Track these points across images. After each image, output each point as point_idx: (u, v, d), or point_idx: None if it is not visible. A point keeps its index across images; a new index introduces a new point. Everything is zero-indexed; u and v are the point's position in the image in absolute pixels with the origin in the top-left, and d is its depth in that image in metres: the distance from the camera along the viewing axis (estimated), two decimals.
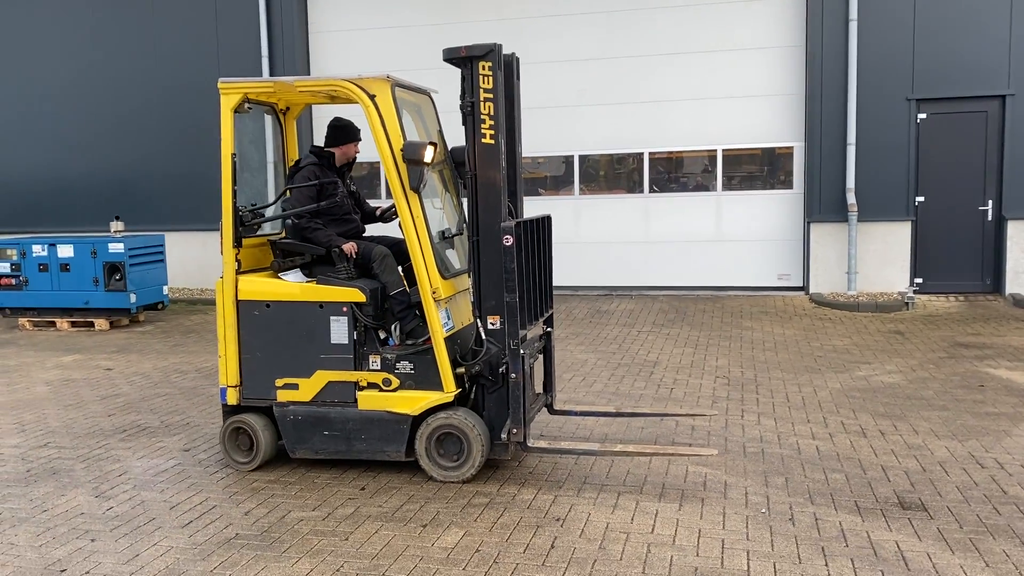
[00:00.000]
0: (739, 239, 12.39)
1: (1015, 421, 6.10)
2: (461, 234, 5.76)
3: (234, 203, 5.37)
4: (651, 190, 12.68)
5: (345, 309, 5.22)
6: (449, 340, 5.17)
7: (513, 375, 4.95)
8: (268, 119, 6.15)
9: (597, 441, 5.84)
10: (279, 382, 5.35)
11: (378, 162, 13.47)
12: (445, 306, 5.26)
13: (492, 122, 4.96)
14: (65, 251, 11.05)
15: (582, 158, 12.91)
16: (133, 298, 10.94)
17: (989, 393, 6.85)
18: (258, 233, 5.71)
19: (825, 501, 4.70)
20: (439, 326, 5.07)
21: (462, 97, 5.05)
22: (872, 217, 11.62)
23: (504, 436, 5.02)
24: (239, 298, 5.38)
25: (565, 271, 12.95)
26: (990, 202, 11.45)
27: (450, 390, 5.07)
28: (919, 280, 11.63)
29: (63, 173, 14.58)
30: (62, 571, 4.07)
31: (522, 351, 4.96)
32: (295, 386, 5.32)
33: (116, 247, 10.92)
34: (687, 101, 12.41)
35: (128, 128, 14.21)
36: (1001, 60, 11.19)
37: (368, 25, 13.46)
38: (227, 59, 13.51)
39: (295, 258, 5.59)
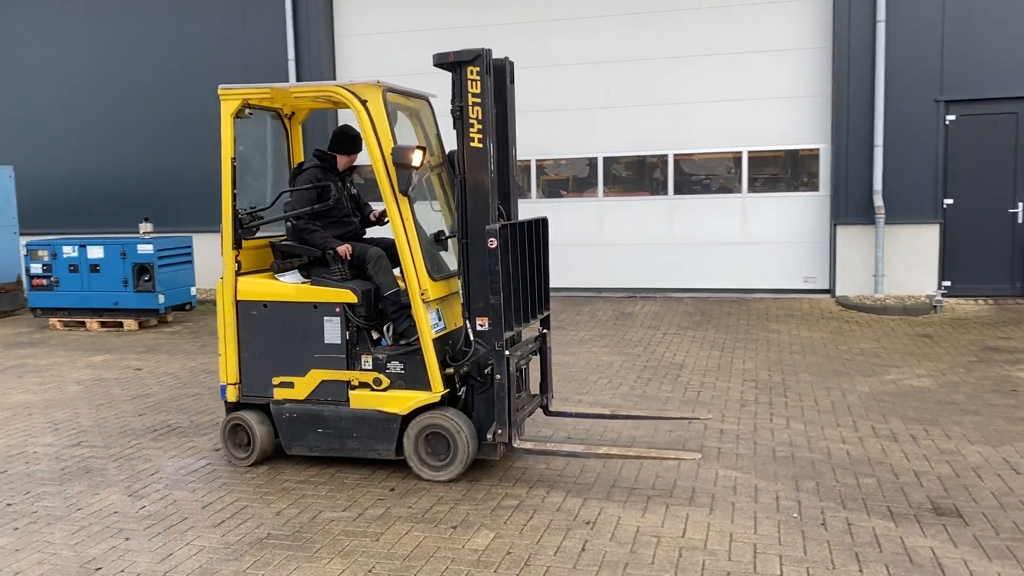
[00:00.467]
0: (764, 241, 12.32)
1: None
2: (455, 236, 5.78)
3: (234, 206, 5.51)
4: (676, 192, 12.63)
5: (338, 310, 5.33)
6: (440, 341, 5.26)
7: (498, 376, 5.01)
8: (272, 123, 6.23)
9: (623, 444, 5.84)
10: (275, 380, 5.48)
11: None
12: (436, 307, 5.35)
13: (480, 126, 5.04)
14: (95, 252, 11.18)
15: (607, 160, 12.89)
16: (161, 299, 11.05)
17: (1022, 398, 6.77)
18: (261, 235, 5.80)
19: (857, 506, 4.67)
20: (427, 327, 5.15)
21: (452, 101, 5.14)
22: (899, 219, 11.51)
23: (490, 436, 5.07)
24: (238, 298, 5.53)
25: (589, 273, 12.97)
26: (1020, 204, 11.31)
27: (437, 390, 5.14)
28: (947, 283, 11.50)
29: (93, 175, 14.76)
30: (97, 569, 4.12)
31: (508, 352, 5.02)
32: (291, 384, 5.45)
33: (145, 248, 11.03)
34: (712, 103, 12.36)
35: (157, 131, 14.36)
36: None
37: (394, 29, 13.52)
38: (254, 63, 13.63)
39: (294, 260, 5.71)
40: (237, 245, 5.54)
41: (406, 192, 5.14)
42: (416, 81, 13.73)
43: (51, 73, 14.88)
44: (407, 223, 5.18)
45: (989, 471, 5.16)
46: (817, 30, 11.91)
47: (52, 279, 11.34)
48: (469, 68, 5.04)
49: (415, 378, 5.21)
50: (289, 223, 5.71)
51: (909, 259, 11.56)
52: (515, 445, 5.09)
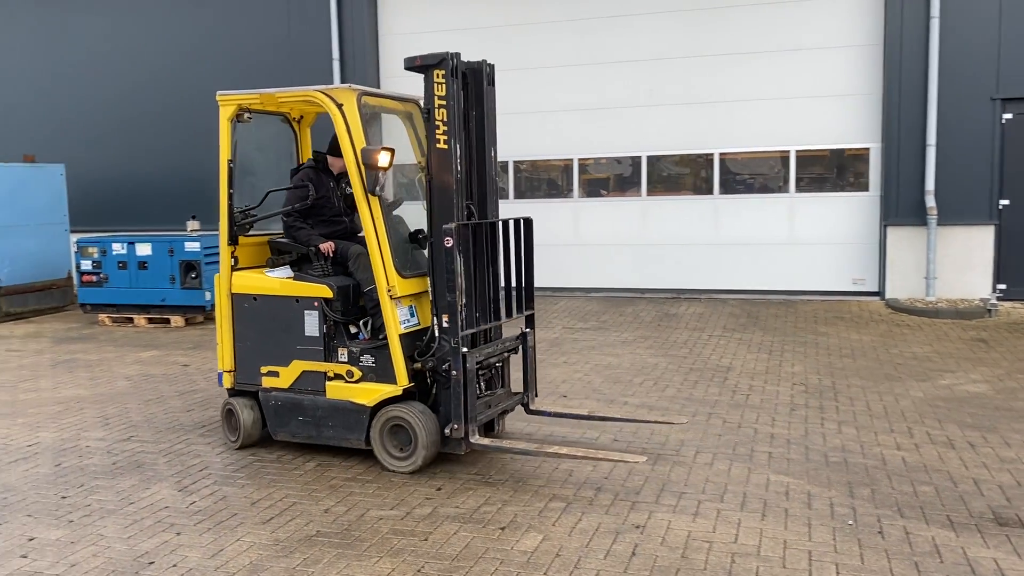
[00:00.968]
0: (812, 242, 12.12)
1: None
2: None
3: (230, 205, 5.89)
4: (721, 191, 12.48)
5: (316, 304, 5.58)
6: (411, 336, 5.43)
7: (454, 372, 5.11)
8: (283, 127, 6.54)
9: (666, 444, 5.76)
10: (263, 369, 5.80)
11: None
12: (410, 304, 5.52)
13: (445, 127, 5.17)
14: (143, 249, 11.36)
15: (650, 159, 12.78)
16: (208, 296, 11.17)
17: None
18: (265, 232, 6.19)
19: (915, 514, 4.54)
20: (393, 322, 5.32)
21: (423, 104, 5.28)
22: (952, 221, 11.25)
23: (447, 431, 5.17)
24: (232, 291, 5.89)
25: (631, 273, 12.87)
26: None
27: (402, 384, 5.31)
28: (1002, 286, 11.20)
29: (142, 174, 15.00)
30: (150, 563, 4.16)
31: (465, 350, 5.11)
32: (276, 373, 5.75)
33: (192, 246, 11.17)
34: (759, 101, 12.19)
35: (204, 130, 14.50)
36: None
37: (439, 27, 13.54)
38: (299, 62, 13.74)
39: (287, 256, 6.02)
40: (233, 241, 5.94)
41: (373, 191, 5.31)
42: None
43: (102, 73, 15.15)
44: (377, 222, 5.35)
45: None
46: (867, 27, 11.68)
47: (101, 275, 11.53)
48: (435, 71, 5.17)
49: (384, 372, 5.39)
50: (283, 220, 5.97)
51: (962, 261, 11.29)
52: (471, 440, 5.17)
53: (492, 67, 5.55)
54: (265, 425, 5.87)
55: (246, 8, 14.20)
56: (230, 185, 5.92)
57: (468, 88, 5.45)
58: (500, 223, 5.67)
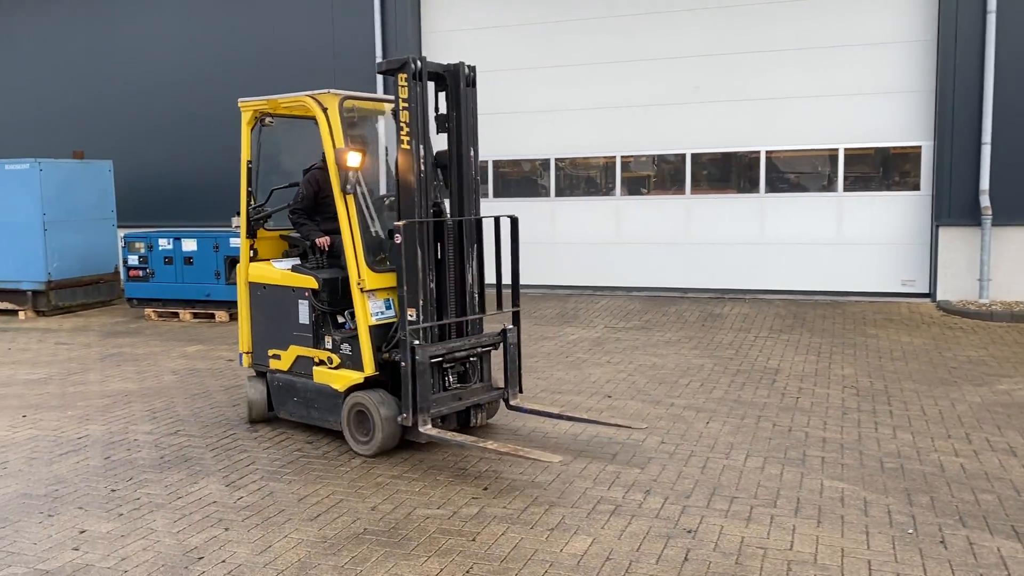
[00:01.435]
0: (861, 242, 11.87)
1: None
2: None
3: (248, 203, 6.37)
4: (767, 190, 12.29)
5: (307, 294, 5.95)
6: (385, 328, 5.69)
7: (403, 364, 5.30)
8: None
9: (715, 444, 5.65)
10: (270, 352, 6.27)
11: (483, 161, 13.51)
12: (386, 296, 5.77)
13: (408, 129, 5.39)
14: (189, 245, 11.48)
15: (694, 156, 12.62)
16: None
17: None
18: (280, 227, 6.62)
19: (978, 524, 4.39)
20: (362, 313, 5.59)
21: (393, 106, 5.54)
22: (1008, 221, 10.94)
23: (399, 420, 5.38)
24: (249, 280, 6.40)
25: (674, 272, 12.73)
26: None
27: (367, 372, 5.59)
28: None
29: (187, 170, 15.17)
30: (199, 558, 4.16)
31: (416, 343, 5.31)
32: (279, 356, 6.20)
33: (236, 242, 11.24)
34: (807, 98, 11.97)
35: None
36: None
37: (481, 24, 13.51)
38: (342, 59, 13.79)
39: (297, 248, 6.39)
40: (251, 235, 6.43)
41: (344, 189, 5.57)
42: (502, 76, 13.62)
43: (149, 72, 15.35)
44: (351, 218, 5.63)
45: None
46: (920, 22, 11.41)
47: (148, 270, 11.67)
48: (399, 75, 5.40)
49: (356, 360, 5.67)
50: (288, 217, 6.35)
51: (1018, 263, 10.98)
52: (420, 430, 5.32)
53: (472, 68, 5.73)
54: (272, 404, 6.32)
55: (290, 8, 14.28)
56: (248, 183, 6.40)
57: (448, 90, 5.69)
58: (472, 221, 5.79)
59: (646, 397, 6.99)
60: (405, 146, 5.41)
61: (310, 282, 5.93)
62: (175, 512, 4.75)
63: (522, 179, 13.74)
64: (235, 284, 11.17)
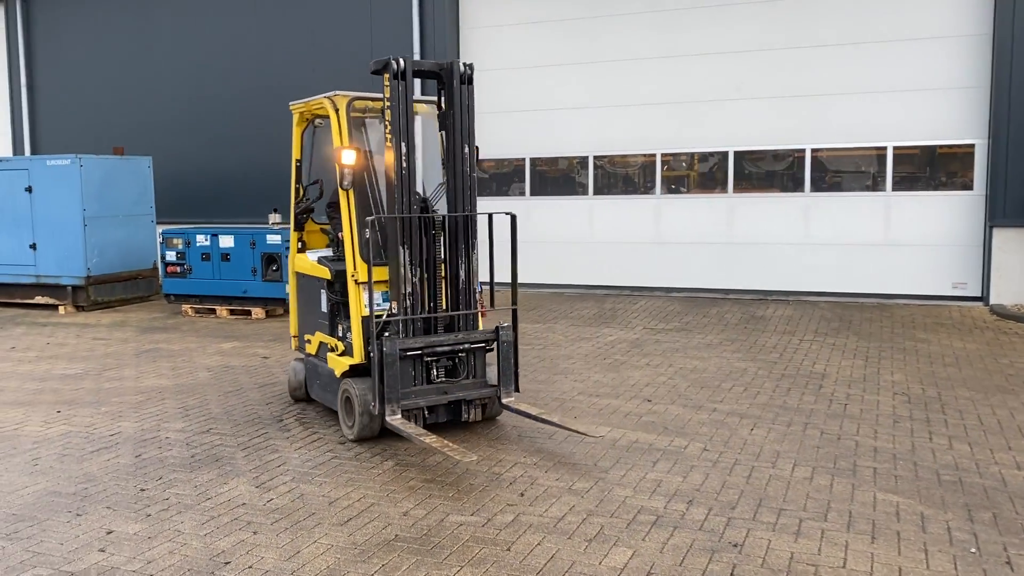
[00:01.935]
0: (909, 244, 11.50)
1: None
2: None
3: (296, 198, 6.77)
4: (813, 189, 11.96)
5: (325, 284, 6.27)
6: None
7: (372, 355, 5.50)
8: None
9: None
10: (307, 336, 6.68)
11: (521, 159, 13.35)
12: (383, 289, 5.89)
13: (390, 127, 5.57)
14: (226, 241, 11.46)
15: (737, 154, 12.33)
16: (288, 288, 11.20)
17: None
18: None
19: None
20: (355, 304, 5.84)
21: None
22: None
23: (372, 408, 5.54)
24: (294, 270, 6.84)
25: (715, 273, 12.45)
26: None
27: (355, 360, 5.85)
28: None
29: (225, 167, 15.21)
30: (226, 563, 4.04)
31: (386, 335, 5.51)
32: (310, 341, 6.60)
33: (273, 239, 11.22)
34: (854, 95, 11.63)
35: (285, 124, 14.64)
36: None
37: (519, 20, 13.34)
38: (381, 56, 13.68)
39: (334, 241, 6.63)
40: (298, 228, 6.81)
41: (341, 185, 5.80)
42: (541, 73, 13.41)
43: (188, 70, 15.42)
44: (351, 213, 5.87)
45: None
46: (974, 16, 11.01)
47: (185, 266, 11.68)
48: (384, 75, 5.59)
49: (351, 348, 5.93)
50: (326, 211, 6.68)
51: None
52: (386, 419, 5.47)
53: (469, 66, 5.82)
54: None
55: (329, 7, 14.24)
56: (297, 180, 6.81)
57: (444, 88, 5.82)
58: (464, 218, 5.84)
59: (687, 401, 6.77)
60: (388, 144, 5.58)
61: (326, 273, 6.21)
62: (203, 514, 4.64)
63: (560, 177, 13.55)
64: (271, 281, 11.24)
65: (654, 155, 12.77)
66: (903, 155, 11.54)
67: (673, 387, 7.25)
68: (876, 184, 11.69)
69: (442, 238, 5.78)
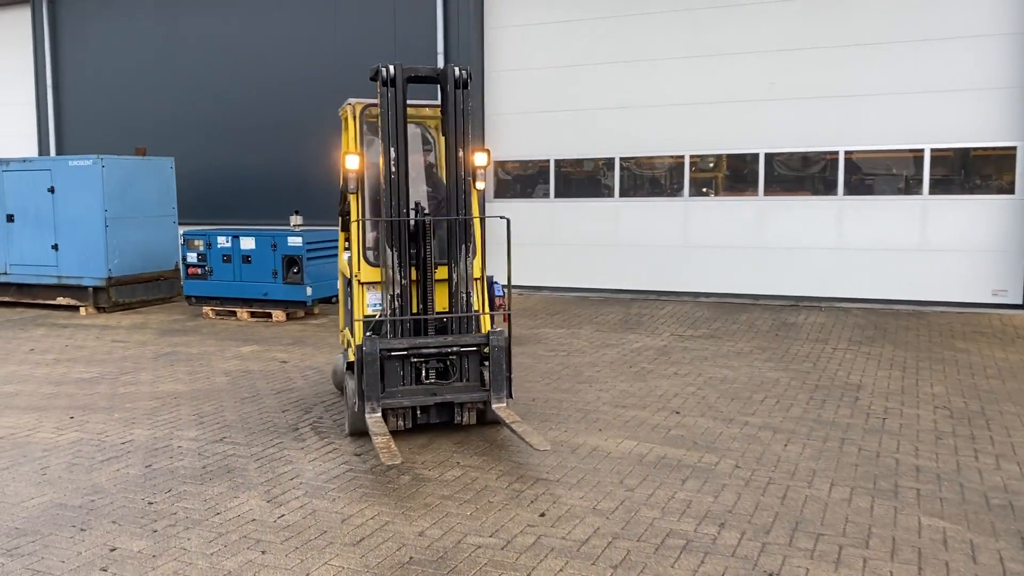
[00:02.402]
0: (946, 249, 11.13)
1: None
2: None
3: (342, 200, 6.75)
4: (846, 192, 11.61)
5: (347, 282, 6.46)
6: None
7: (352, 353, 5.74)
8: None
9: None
10: (342, 331, 6.98)
11: (545, 160, 13.12)
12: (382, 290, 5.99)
13: (380, 133, 5.74)
14: (247, 243, 11.33)
15: (768, 156, 12.01)
16: (309, 291, 11.06)
17: None
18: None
19: None
20: (357, 303, 6.02)
21: None
22: None
23: (352, 406, 5.72)
24: (340, 268, 7.04)
25: (745, 278, 12.14)
26: None
27: (351, 358, 5.99)
28: None
29: (247, 168, 15.12)
30: None
31: (368, 335, 5.69)
32: (345, 335, 6.77)
33: (295, 241, 11.07)
34: (890, 95, 11.27)
35: (308, 125, 14.54)
36: None
37: (546, 19, 13.10)
38: (404, 56, 13.52)
39: None
40: (344, 228, 6.85)
41: (344, 189, 5.92)
42: (566, 73, 13.17)
43: (211, 71, 15.34)
44: (360, 214, 6.03)
45: None
46: (1013, 14, 10.62)
47: (206, 268, 11.57)
48: (376, 82, 5.70)
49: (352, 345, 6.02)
50: None
51: None
52: (365, 416, 5.56)
53: (465, 70, 5.87)
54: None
55: (353, 9, 14.08)
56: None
57: (444, 93, 5.87)
58: (459, 222, 5.87)
59: (717, 414, 6.50)
60: (380, 148, 5.74)
61: (347, 272, 6.42)
62: (211, 530, 4.45)
63: (585, 179, 13.29)
64: (292, 284, 11.10)
65: (682, 156, 12.48)
66: (941, 157, 11.17)
67: (702, 398, 6.98)
68: (912, 187, 11.32)
69: (434, 242, 5.88)
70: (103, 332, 10.59)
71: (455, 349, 5.81)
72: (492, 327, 6.14)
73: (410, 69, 5.78)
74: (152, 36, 15.89)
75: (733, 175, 12.39)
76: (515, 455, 5.59)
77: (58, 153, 16.84)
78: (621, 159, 12.86)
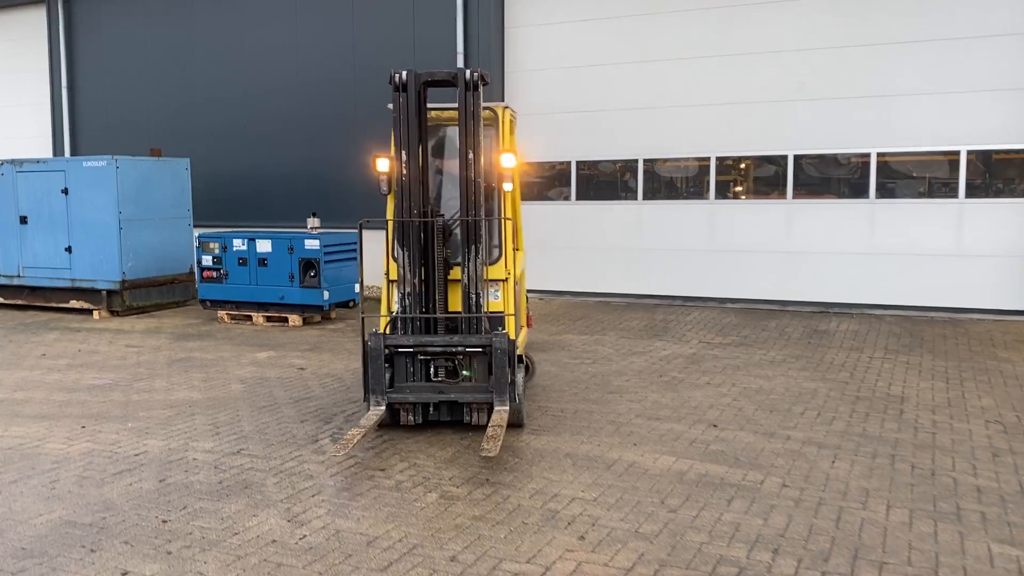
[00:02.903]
0: (984, 254, 10.77)
1: None
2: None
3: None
4: (878, 195, 11.27)
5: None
6: None
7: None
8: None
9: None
10: None
11: (566, 162, 12.84)
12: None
13: (393, 135, 5.92)
14: (263, 246, 11.09)
15: (797, 158, 11.67)
16: (326, 295, 10.81)
17: None
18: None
19: None
20: (384, 300, 6.23)
21: None
22: None
23: (363, 399, 5.89)
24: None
25: (774, 283, 11.81)
26: None
27: None
28: None
29: (263, 170, 14.89)
30: None
31: (372, 331, 5.80)
32: None
33: (312, 244, 10.82)
34: (925, 95, 10.92)
35: (326, 126, 14.30)
36: None
37: (567, 18, 12.82)
38: (423, 56, 13.27)
39: None
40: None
41: (380, 190, 6.04)
42: (588, 73, 12.84)
43: (227, 72, 15.13)
44: (389, 217, 6.19)
45: None
46: None
47: (222, 271, 11.33)
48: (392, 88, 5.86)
49: None
50: None
51: None
52: (369, 409, 5.75)
53: (476, 72, 5.89)
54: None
55: (372, 10, 13.83)
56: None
57: (458, 96, 5.90)
58: (469, 223, 5.92)
59: (757, 427, 6.19)
60: (392, 152, 5.89)
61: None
62: (228, 553, 4.18)
63: (607, 181, 13.00)
64: (308, 288, 10.84)
65: (708, 158, 12.17)
66: (977, 159, 10.81)
67: (739, 410, 6.67)
68: (947, 190, 10.97)
69: (446, 243, 6.03)
70: (116, 336, 10.36)
71: (460, 349, 5.87)
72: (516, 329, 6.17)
73: (426, 74, 5.92)
74: (168, 37, 15.70)
75: (761, 178, 12.07)
76: (547, 471, 5.30)
77: (72, 154, 16.67)
78: (645, 161, 12.55)
